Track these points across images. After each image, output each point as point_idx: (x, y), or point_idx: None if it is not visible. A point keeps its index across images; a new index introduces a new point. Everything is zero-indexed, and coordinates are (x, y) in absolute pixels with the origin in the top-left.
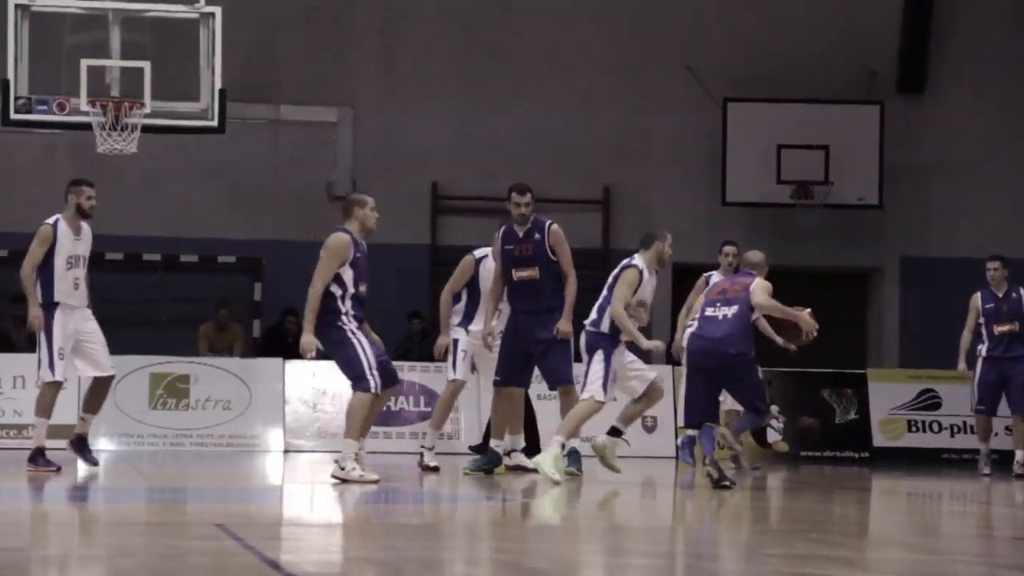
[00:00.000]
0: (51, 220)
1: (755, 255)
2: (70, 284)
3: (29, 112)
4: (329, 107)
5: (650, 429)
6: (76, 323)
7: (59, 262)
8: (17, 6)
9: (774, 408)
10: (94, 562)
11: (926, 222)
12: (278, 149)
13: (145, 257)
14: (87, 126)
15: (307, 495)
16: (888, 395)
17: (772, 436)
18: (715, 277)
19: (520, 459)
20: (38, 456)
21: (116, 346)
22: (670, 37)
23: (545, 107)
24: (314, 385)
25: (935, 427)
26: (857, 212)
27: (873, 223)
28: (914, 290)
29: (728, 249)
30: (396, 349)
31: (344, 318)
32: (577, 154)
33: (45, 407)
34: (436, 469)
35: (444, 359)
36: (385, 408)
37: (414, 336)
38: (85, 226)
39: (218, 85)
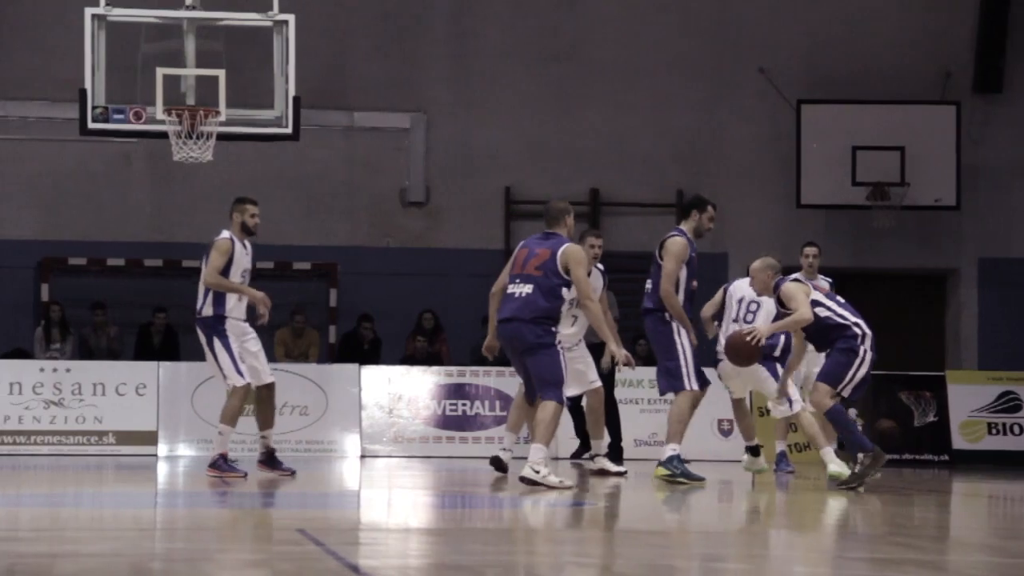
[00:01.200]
0: (226, 234)
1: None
2: (237, 298)
3: (106, 121)
4: (402, 113)
5: (726, 433)
6: (243, 334)
7: (234, 275)
8: (94, 16)
9: (852, 411)
10: (181, 565)
11: (1004, 223)
12: (352, 156)
13: None
14: (163, 135)
15: (384, 500)
16: (967, 397)
17: None
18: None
19: (604, 463)
20: (221, 461)
21: (195, 353)
22: (744, 39)
23: (618, 110)
24: (390, 390)
25: (1016, 429)
26: (934, 213)
27: (950, 224)
28: (992, 291)
29: (809, 250)
30: (471, 354)
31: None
32: (650, 157)
33: (230, 416)
34: (504, 470)
35: (488, 358)
36: (460, 413)
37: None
38: (248, 243)
39: (292, 92)
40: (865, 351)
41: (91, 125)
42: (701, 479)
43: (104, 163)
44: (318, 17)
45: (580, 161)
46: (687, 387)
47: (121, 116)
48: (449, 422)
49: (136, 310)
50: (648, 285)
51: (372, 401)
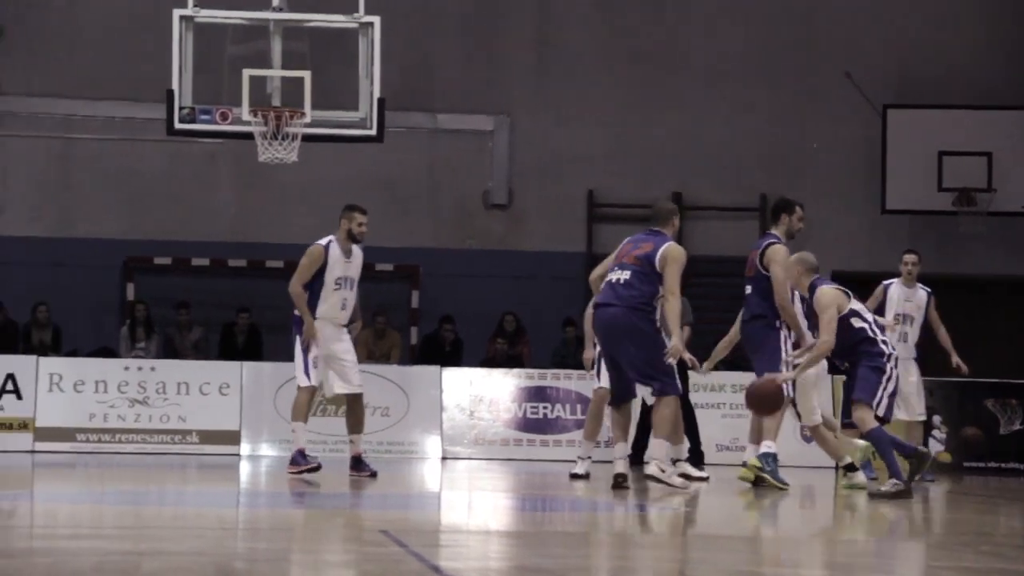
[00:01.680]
0: (324, 241)
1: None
2: (337, 304)
3: (193, 122)
4: (486, 115)
5: (809, 438)
6: (332, 341)
7: (328, 282)
8: (181, 17)
9: (936, 418)
10: (265, 565)
11: None
12: (435, 158)
13: None
14: (248, 135)
15: (465, 502)
16: None
17: (935, 447)
18: (895, 287)
19: (686, 467)
20: (299, 457)
21: (278, 353)
22: (829, 43)
23: (701, 114)
24: (471, 392)
25: None
26: (1022, 219)
27: None
28: None
29: (908, 258)
30: (552, 356)
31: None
32: (733, 161)
33: (301, 412)
34: (586, 477)
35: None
36: (540, 415)
37: (569, 344)
38: (356, 249)
39: (377, 94)
40: (892, 369)
41: (178, 126)
42: (785, 485)
43: (190, 163)
44: (403, 19)
45: (663, 164)
46: (786, 394)
47: (207, 117)
48: (530, 425)
49: (219, 310)
50: (747, 290)
51: (453, 403)
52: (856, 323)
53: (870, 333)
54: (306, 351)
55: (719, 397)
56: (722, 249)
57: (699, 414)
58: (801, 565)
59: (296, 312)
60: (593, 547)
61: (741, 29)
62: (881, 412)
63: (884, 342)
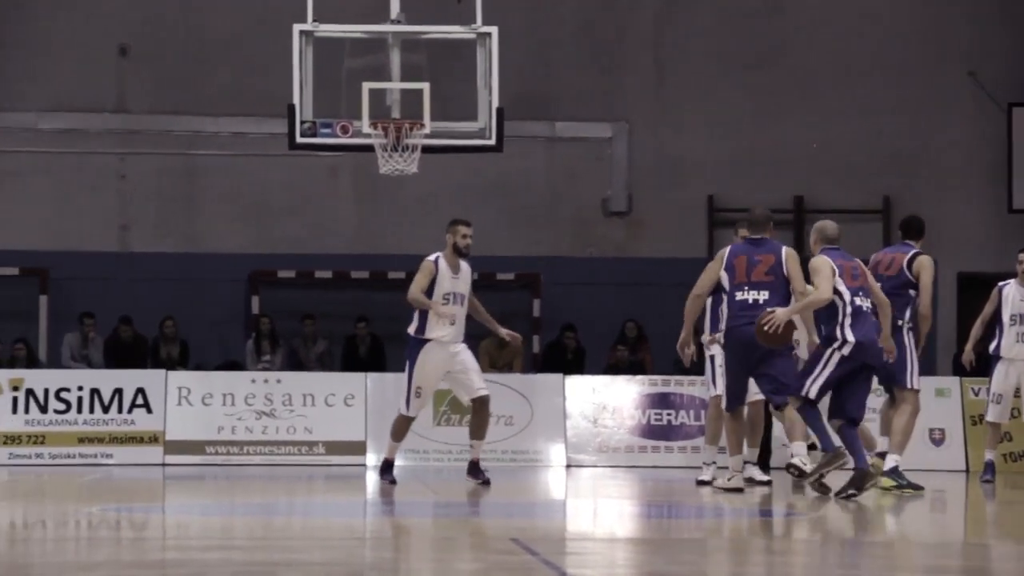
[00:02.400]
0: (433, 257)
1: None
2: (447, 320)
3: (314, 135)
4: (604, 123)
5: (938, 442)
6: (446, 360)
7: (436, 298)
8: (301, 32)
9: None
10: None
11: None
12: (554, 166)
13: None
14: (369, 148)
15: (591, 509)
16: None
17: None
18: (1010, 287)
19: (753, 471)
20: (385, 467)
21: (400, 364)
22: (952, 42)
23: (822, 116)
24: (594, 400)
25: None
26: None
27: None
28: None
29: (1023, 256)
30: (674, 363)
31: None
32: (855, 163)
33: (397, 433)
34: (711, 482)
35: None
36: (664, 422)
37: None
38: (464, 265)
39: (495, 104)
40: (834, 354)
41: (299, 140)
42: (920, 487)
43: (311, 177)
44: (520, 28)
45: (784, 168)
46: (910, 385)
47: (328, 130)
48: (654, 431)
49: (342, 322)
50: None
51: (577, 411)
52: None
53: (837, 312)
54: (411, 378)
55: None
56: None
57: None
58: (936, 571)
59: (409, 331)
60: (721, 553)
61: (862, 30)
62: (811, 394)
63: (844, 331)
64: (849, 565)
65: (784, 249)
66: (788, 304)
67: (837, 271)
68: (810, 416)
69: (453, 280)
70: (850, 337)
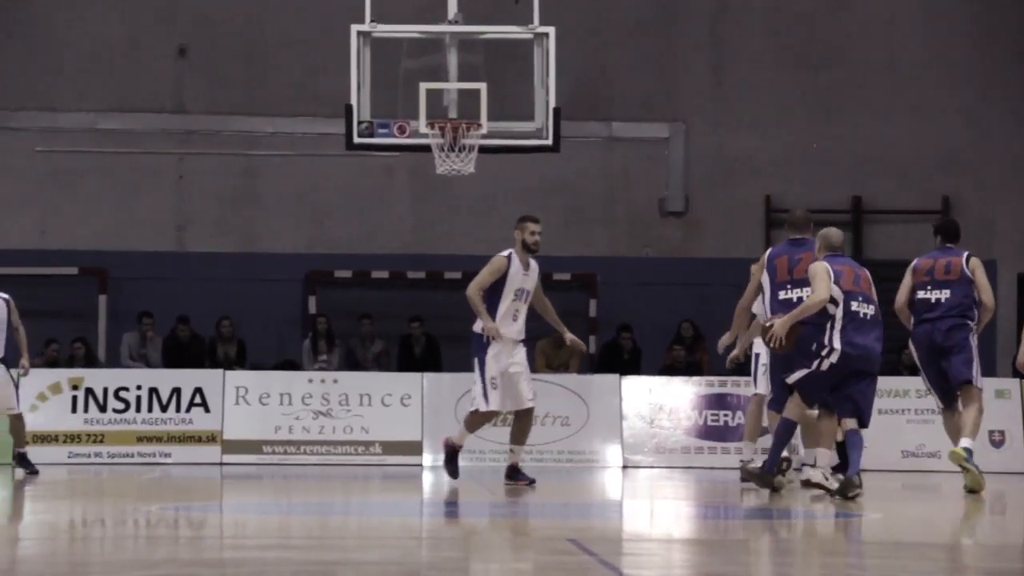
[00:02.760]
0: (506, 253)
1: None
2: (510, 316)
3: (371, 136)
4: (661, 122)
5: (998, 444)
6: (508, 356)
7: (507, 294)
8: (359, 33)
9: None
10: (458, 575)
11: None
12: (610, 166)
13: None
14: (426, 148)
15: (648, 510)
16: None
17: None
18: None
19: (813, 473)
20: (450, 449)
21: (457, 364)
22: (1008, 39)
23: (879, 116)
24: (651, 400)
25: None
26: None
27: None
28: None
29: None
30: (727, 363)
31: None
32: (913, 163)
33: (473, 425)
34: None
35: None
36: (721, 423)
37: (747, 350)
38: (533, 263)
39: (552, 104)
40: (823, 363)
41: (357, 140)
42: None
43: (368, 177)
44: (577, 28)
45: (841, 168)
46: (977, 383)
47: (385, 131)
48: (711, 432)
49: (398, 322)
50: (944, 296)
51: (633, 411)
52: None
53: (830, 321)
54: (484, 372)
55: (904, 403)
56: (902, 253)
57: (884, 420)
58: (993, 574)
59: (475, 329)
60: (778, 555)
61: (919, 29)
62: (789, 382)
63: (831, 338)
64: (907, 568)
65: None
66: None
67: (834, 276)
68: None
69: (524, 277)
70: (836, 345)
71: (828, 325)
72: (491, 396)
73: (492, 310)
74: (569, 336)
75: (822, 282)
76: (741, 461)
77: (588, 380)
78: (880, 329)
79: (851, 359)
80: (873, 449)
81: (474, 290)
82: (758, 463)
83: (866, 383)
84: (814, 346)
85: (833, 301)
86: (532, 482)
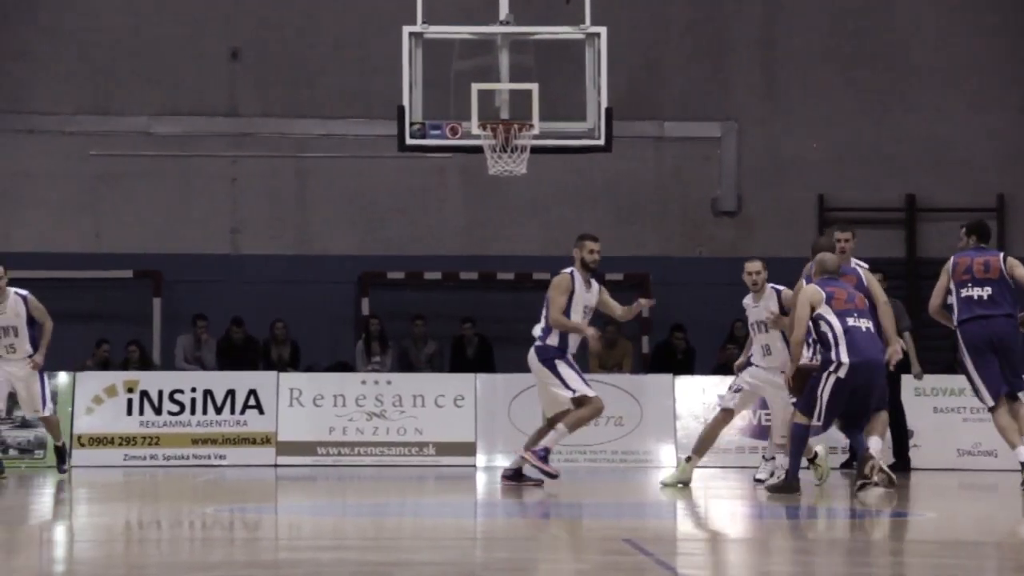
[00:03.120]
0: (568, 270)
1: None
2: (576, 335)
3: (423, 137)
4: (712, 122)
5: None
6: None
7: (575, 312)
8: (411, 34)
9: None
10: (515, 574)
11: None
12: (662, 165)
13: (535, 276)
14: (477, 149)
15: (703, 510)
16: None
17: None
18: None
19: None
20: (543, 452)
21: (510, 365)
22: None
23: (933, 114)
24: (704, 400)
25: None
26: None
27: None
28: None
29: None
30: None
31: None
32: (968, 161)
33: (573, 422)
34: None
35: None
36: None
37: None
38: (593, 281)
39: (604, 104)
40: (830, 377)
41: (409, 141)
42: None
43: (420, 178)
44: (628, 28)
45: (895, 166)
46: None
47: (438, 132)
48: (764, 432)
49: (451, 323)
50: (987, 293)
51: (687, 411)
52: (820, 326)
53: (830, 339)
54: (574, 367)
55: (960, 401)
56: (956, 251)
57: (939, 419)
58: None
59: (548, 343)
60: (834, 555)
61: (972, 26)
62: (818, 420)
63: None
64: (964, 568)
65: (864, 272)
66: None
67: (826, 297)
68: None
69: (587, 295)
70: (844, 359)
71: (832, 343)
72: (578, 384)
73: (563, 333)
74: (642, 303)
75: (798, 322)
76: (764, 457)
77: (641, 380)
78: (880, 343)
79: (860, 370)
80: (928, 448)
81: (557, 316)
82: (762, 473)
83: (878, 392)
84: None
85: (828, 324)
86: (540, 483)
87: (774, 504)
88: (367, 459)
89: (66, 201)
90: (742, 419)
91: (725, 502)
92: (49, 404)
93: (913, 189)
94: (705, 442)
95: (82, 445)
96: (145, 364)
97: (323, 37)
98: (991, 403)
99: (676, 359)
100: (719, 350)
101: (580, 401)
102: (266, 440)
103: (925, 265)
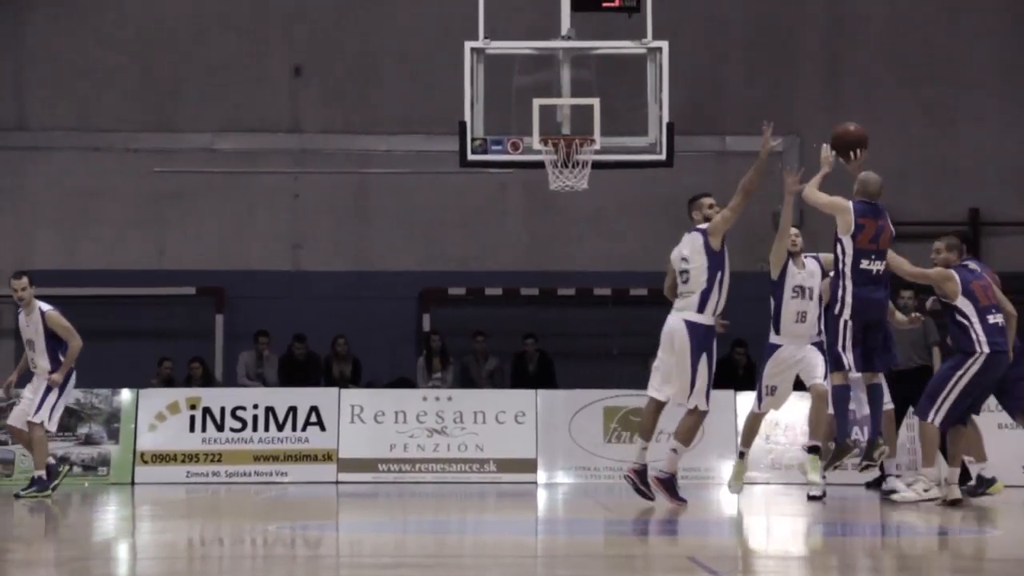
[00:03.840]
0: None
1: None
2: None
3: (485, 152)
4: (774, 136)
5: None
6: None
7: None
8: (473, 50)
9: None
10: None
11: None
12: (724, 180)
13: (596, 292)
14: (538, 164)
15: (767, 527)
16: None
17: None
18: None
19: (896, 484)
20: (670, 480)
21: (571, 380)
22: None
23: (996, 127)
24: (767, 416)
25: None
26: None
27: None
28: None
29: None
30: None
31: None
32: None
33: (686, 434)
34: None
35: None
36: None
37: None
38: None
39: (665, 119)
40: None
41: (471, 157)
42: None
43: (481, 194)
44: (689, 42)
45: (958, 180)
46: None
47: (499, 147)
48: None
49: (512, 338)
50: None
51: None
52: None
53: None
54: (709, 370)
55: None
56: (1022, 264)
57: (1003, 435)
58: None
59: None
60: (901, 572)
61: None
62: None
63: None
64: None
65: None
66: None
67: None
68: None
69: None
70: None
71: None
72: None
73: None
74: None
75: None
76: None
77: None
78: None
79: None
80: (993, 464)
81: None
82: (817, 491)
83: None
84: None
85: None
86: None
87: (837, 521)
88: (428, 476)
89: (130, 218)
90: (804, 435)
91: (788, 519)
92: (45, 417)
93: (977, 203)
94: (750, 435)
95: (145, 462)
96: (208, 380)
97: (385, 53)
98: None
99: (737, 375)
100: None
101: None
102: (327, 457)
103: None
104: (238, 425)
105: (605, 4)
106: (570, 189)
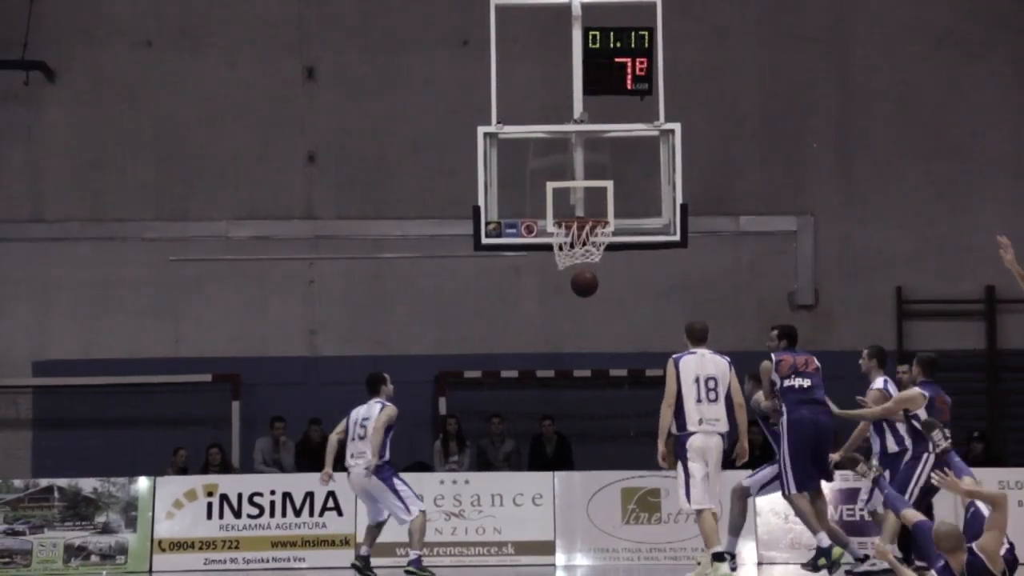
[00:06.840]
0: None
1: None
2: None
3: (499, 236)
4: (788, 216)
5: None
6: None
7: None
8: (486, 134)
9: None
10: None
11: None
12: (738, 260)
13: (612, 373)
14: (552, 247)
15: None
16: None
17: None
18: None
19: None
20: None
21: (588, 462)
22: None
23: (1010, 205)
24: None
25: None
26: None
27: None
28: None
29: None
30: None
31: None
32: None
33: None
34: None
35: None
36: (857, 518)
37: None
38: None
39: (679, 200)
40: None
41: (485, 241)
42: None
43: (495, 277)
44: (703, 123)
45: (973, 258)
46: None
47: (513, 231)
48: (847, 527)
49: (528, 421)
50: None
51: (767, 507)
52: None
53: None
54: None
55: None
56: None
57: None
58: None
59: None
60: None
61: None
62: None
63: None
64: None
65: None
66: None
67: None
68: None
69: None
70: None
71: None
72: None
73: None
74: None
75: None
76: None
77: (721, 475)
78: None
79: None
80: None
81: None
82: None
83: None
84: None
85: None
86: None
87: None
88: (446, 559)
89: (146, 307)
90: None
91: None
92: None
93: (992, 280)
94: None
95: (163, 550)
96: (225, 467)
97: (398, 139)
98: None
99: (754, 455)
100: None
101: None
102: (345, 542)
103: (1006, 357)
104: (255, 511)
105: (617, 88)
106: (581, 261)
